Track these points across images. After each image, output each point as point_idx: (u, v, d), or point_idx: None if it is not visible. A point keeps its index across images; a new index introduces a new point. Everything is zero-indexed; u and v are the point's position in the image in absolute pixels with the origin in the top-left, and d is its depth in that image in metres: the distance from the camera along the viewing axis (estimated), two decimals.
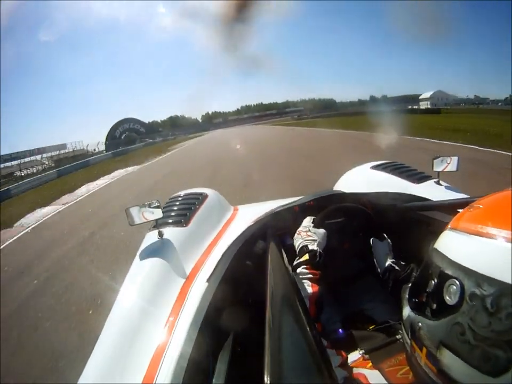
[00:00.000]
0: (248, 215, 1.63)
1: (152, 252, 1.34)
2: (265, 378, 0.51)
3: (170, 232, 1.47)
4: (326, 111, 66.98)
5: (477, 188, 2.37)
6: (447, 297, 0.52)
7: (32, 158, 32.56)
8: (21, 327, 3.32)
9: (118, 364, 0.85)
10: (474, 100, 72.81)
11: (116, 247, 5.00)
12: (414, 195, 1.51)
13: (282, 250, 1.19)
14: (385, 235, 1.26)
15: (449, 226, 0.60)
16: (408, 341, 0.63)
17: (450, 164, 1.77)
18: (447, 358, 0.50)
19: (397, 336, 0.85)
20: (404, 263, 1.12)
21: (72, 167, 23.10)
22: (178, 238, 1.44)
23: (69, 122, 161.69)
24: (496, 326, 0.43)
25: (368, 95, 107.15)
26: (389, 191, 1.58)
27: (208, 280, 1.08)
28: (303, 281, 1.00)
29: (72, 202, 10.30)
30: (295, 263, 1.09)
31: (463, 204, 0.67)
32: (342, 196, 1.54)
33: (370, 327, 0.96)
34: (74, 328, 3.09)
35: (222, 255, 1.20)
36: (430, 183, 1.82)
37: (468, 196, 1.44)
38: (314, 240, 1.14)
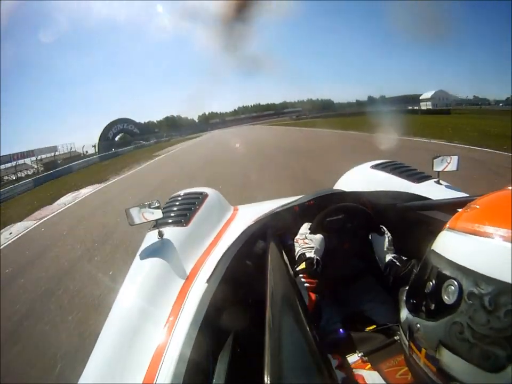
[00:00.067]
0: (248, 215, 1.63)
1: (152, 251, 1.34)
2: (265, 378, 0.51)
3: (170, 232, 1.47)
4: (324, 112, 66.65)
5: None
6: (445, 297, 0.52)
7: (20, 161, 31.26)
8: None
9: (118, 364, 0.85)
10: (474, 101, 71.60)
11: None
12: (414, 194, 1.52)
13: (282, 250, 1.19)
14: (384, 229, 1.26)
15: (446, 226, 0.60)
16: (407, 343, 0.62)
17: (450, 164, 1.77)
18: (447, 357, 0.50)
19: (396, 338, 0.84)
20: (405, 258, 1.12)
21: (51, 175, 21.01)
22: (178, 238, 1.43)
23: (64, 122, 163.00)
24: (494, 324, 0.44)
25: (366, 95, 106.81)
26: (389, 190, 1.61)
27: (208, 280, 1.08)
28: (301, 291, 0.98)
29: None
30: (294, 271, 1.08)
31: (463, 203, 0.66)
32: (342, 195, 1.54)
33: (369, 329, 0.96)
34: None
35: (222, 255, 1.21)
36: (430, 182, 1.80)
37: (468, 195, 1.41)
38: (312, 248, 1.14)
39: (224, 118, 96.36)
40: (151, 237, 1.45)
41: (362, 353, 0.81)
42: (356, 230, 1.31)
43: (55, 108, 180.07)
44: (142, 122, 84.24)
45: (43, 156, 34.77)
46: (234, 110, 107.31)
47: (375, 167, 2.15)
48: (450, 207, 1.07)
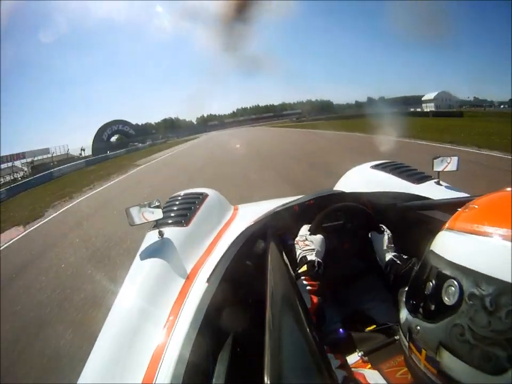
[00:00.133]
0: (248, 214, 1.64)
1: (152, 251, 1.34)
2: (265, 379, 0.51)
3: (170, 232, 1.46)
4: (324, 113, 65.58)
5: None
6: (446, 298, 0.52)
7: (10, 164, 29.88)
8: None
9: (118, 364, 0.85)
10: (475, 102, 70.20)
11: None
12: (414, 194, 1.52)
13: (283, 250, 1.18)
14: (384, 227, 1.26)
15: (445, 227, 0.60)
16: (406, 344, 0.62)
17: (450, 164, 1.76)
18: (447, 359, 0.50)
19: (396, 337, 0.84)
20: (406, 257, 1.12)
21: (26, 184, 18.52)
22: (179, 238, 1.43)
23: (62, 123, 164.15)
24: (496, 325, 0.43)
25: (365, 96, 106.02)
26: (389, 191, 1.62)
27: (208, 280, 1.08)
28: (302, 293, 0.98)
29: None
30: (295, 273, 1.08)
31: (463, 203, 0.65)
32: (342, 195, 1.54)
33: (369, 329, 0.96)
34: None
35: (222, 255, 1.21)
36: (430, 183, 1.81)
37: (468, 195, 1.43)
38: (312, 250, 1.13)
39: (222, 120, 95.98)
40: (151, 237, 1.44)
41: (362, 353, 0.81)
42: (356, 230, 1.30)
43: (53, 108, 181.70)
44: (140, 123, 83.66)
45: (38, 157, 33.67)
46: (233, 111, 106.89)
47: (375, 167, 2.15)
48: (450, 207, 1.04)
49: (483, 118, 23.72)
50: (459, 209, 0.62)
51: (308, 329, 0.65)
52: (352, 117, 37.38)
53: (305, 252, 1.13)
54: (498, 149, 9.21)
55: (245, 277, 1.20)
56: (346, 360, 0.80)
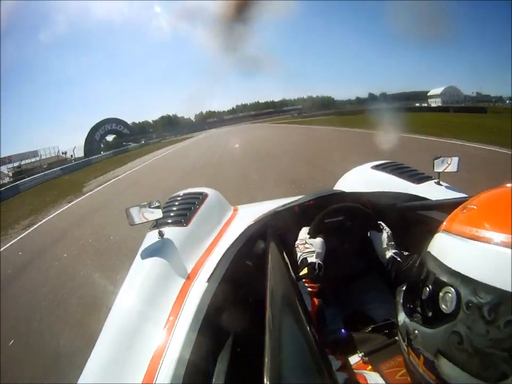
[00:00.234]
0: (248, 215, 1.63)
1: (152, 251, 1.33)
2: (265, 379, 0.51)
3: (170, 232, 1.46)
4: (324, 109, 64.18)
5: None
6: (443, 306, 0.51)
7: None
8: None
9: (118, 364, 0.85)
10: (479, 97, 67.43)
11: None
12: (414, 195, 1.52)
13: (283, 250, 1.18)
14: (383, 225, 1.27)
15: (442, 228, 0.58)
16: (405, 347, 0.61)
17: (450, 165, 1.76)
18: (445, 366, 0.49)
19: (396, 338, 0.82)
20: (406, 254, 1.13)
21: None
22: (179, 238, 1.43)
23: (59, 123, 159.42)
24: (494, 334, 0.42)
25: (366, 92, 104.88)
26: (389, 191, 1.62)
27: (208, 280, 1.08)
28: (303, 296, 0.99)
29: None
30: (296, 276, 1.08)
31: (462, 203, 0.63)
32: (342, 195, 1.55)
33: (370, 327, 0.96)
34: None
35: (222, 255, 1.21)
36: (430, 183, 1.80)
37: (468, 195, 1.41)
38: (312, 252, 1.14)
39: (222, 116, 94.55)
40: (151, 237, 1.44)
41: (363, 354, 0.81)
42: (355, 229, 1.30)
43: (49, 108, 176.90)
44: (137, 122, 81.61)
45: (27, 161, 31.30)
46: (233, 108, 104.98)
47: (375, 167, 2.15)
48: (450, 207, 0.93)
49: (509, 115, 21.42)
50: (463, 203, 0.60)
51: (308, 329, 0.65)
52: (358, 113, 33.99)
53: (305, 254, 1.14)
54: None
55: (245, 277, 1.20)
56: (347, 361, 0.80)
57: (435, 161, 1.79)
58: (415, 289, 0.60)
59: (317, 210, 1.34)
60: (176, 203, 1.82)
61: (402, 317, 0.63)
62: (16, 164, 29.86)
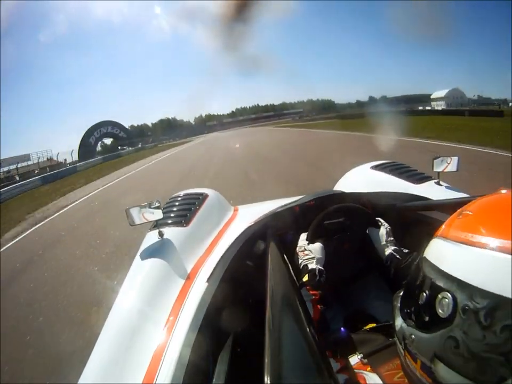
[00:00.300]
0: (248, 215, 1.63)
1: (152, 252, 1.33)
2: (265, 379, 0.51)
3: (170, 232, 1.46)
4: (325, 113, 63.03)
5: None
6: (440, 310, 0.51)
7: None
8: None
9: (118, 364, 0.85)
10: (482, 100, 66.13)
11: None
12: (414, 195, 1.52)
13: (283, 250, 1.18)
14: (381, 221, 1.27)
15: (438, 233, 0.59)
16: (402, 351, 0.61)
17: (450, 164, 1.75)
18: (442, 371, 0.49)
19: (395, 338, 0.82)
20: (406, 251, 1.13)
21: None
22: (179, 238, 1.43)
23: (57, 125, 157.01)
24: (490, 339, 0.42)
25: (366, 95, 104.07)
26: (388, 191, 1.62)
27: (208, 280, 1.08)
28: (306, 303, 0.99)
29: None
30: (299, 283, 1.08)
31: (462, 203, 0.64)
32: (342, 195, 1.55)
33: (369, 326, 0.96)
34: None
35: (222, 255, 1.21)
36: (430, 183, 1.80)
37: (468, 195, 1.42)
38: (312, 258, 1.14)
39: (221, 120, 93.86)
40: (151, 237, 1.44)
41: (362, 355, 0.81)
42: (354, 228, 1.30)
43: (50, 109, 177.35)
44: (136, 125, 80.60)
45: (18, 165, 29.46)
46: (232, 111, 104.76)
47: (375, 167, 2.14)
48: (450, 207, 1.02)
49: None
50: (459, 210, 0.61)
51: (308, 329, 0.65)
52: (360, 116, 32.64)
53: (305, 261, 1.14)
54: None
55: (245, 277, 1.20)
56: (346, 362, 0.80)
57: (434, 161, 1.78)
58: (412, 294, 0.60)
59: (317, 210, 1.33)
60: (176, 203, 1.81)
61: (399, 322, 0.63)
62: (5, 169, 28.70)
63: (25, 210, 10.83)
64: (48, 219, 9.13)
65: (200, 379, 0.81)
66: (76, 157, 36.49)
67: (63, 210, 10.02)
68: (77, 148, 44.91)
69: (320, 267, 1.10)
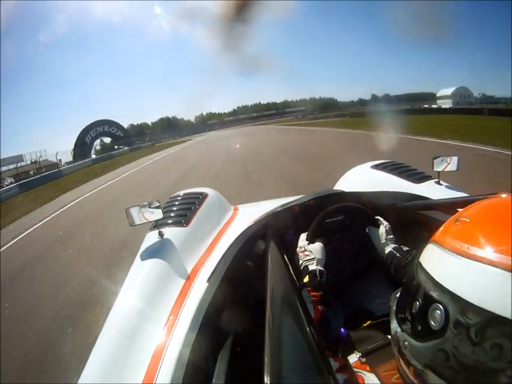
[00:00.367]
0: (248, 215, 1.63)
1: (152, 252, 1.33)
2: (265, 378, 0.51)
3: (170, 232, 1.46)
4: (328, 111, 62.12)
5: None
6: (432, 322, 0.50)
7: None
8: None
9: (118, 363, 0.85)
10: (486, 99, 64.23)
11: None
12: (414, 194, 1.52)
13: (283, 250, 1.19)
14: (381, 220, 1.27)
15: (434, 239, 0.58)
16: (397, 355, 0.61)
17: (450, 164, 1.75)
18: (433, 379, 0.49)
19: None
20: (406, 249, 1.14)
21: None
22: (179, 238, 1.43)
23: (57, 125, 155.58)
24: (480, 355, 0.42)
25: (368, 93, 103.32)
26: (389, 191, 1.62)
27: (208, 280, 1.08)
28: (307, 304, 0.98)
29: None
30: (300, 284, 1.08)
31: (462, 203, 0.64)
32: (342, 195, 1.55)
33: (369, 323, 0.96)
34: None
35: (222, 255, 1.21)
36: (430, 183, 1.80)
37: (468, 195, 1.42)
38: (313, 259, 1.13)
39: (222, 118, 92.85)
40: (151, 237, 1.44)
41: (360, 355, 0.81)
42: (354, 228, 1.30)
43: (50, 108, 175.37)
44: (136, 124, 79.55)
45: (10, 167, 27.98)
46: (234, 110, 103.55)
47: (375, 167, 2.13)
48: (450, 207, 1.04)
49: None
50: (459, 209, 0.60)
51: (308, 329, 0.65)
52: (365, 114, 30.40)
53: (305, 262, 1.13)
54: None
55: (245, 277, 1.20)
56: (344, 362, 0.80)
57: (434, 160, 1.78)
58: (406, 301, 0.59)
59: (317, 210, 1.33)
60: (176, 203, 1.81)
61: (394, 326, 0.63)
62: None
63: None
64: None
65: (200, 379, 0.81)
66: (71, 157, 35.20)
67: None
68: (72, 148, 43.39)
69: (321, 268, 1.10)
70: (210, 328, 0.90)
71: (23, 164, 29.84)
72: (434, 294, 0.50)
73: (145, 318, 0.99)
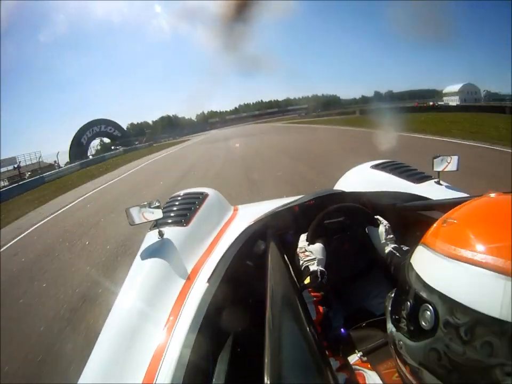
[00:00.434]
0: (248, 214, 1.62)
1: (152, 251, 1.33)
2: (265, 379, 0.51)
3: (170, 232, 1.45)
4: (330, 108, 60.99)
5: None
6: (422, 322, 0.51)
7: None
8: None
9: (118, 364, 0.85)
10: (491, 96, 62.50)
11: None
12: (414, 194, 1.52)
13: (283, 250, 1.19)
14: (380, 219, 1.26)
15: (424, 240, 0.58)
16: (394, 354, 0.62)
17: (450, 164, 1.73)
18: (428, 378, 0.50)
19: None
20: (406, 248, 1.15)
21: None
22: (179, 238, 1.42)
23: (54, 125, 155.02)
24: (471, 354, 0.43)
25: (370, 90, 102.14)
26: (389, 191, 1.62)
27: (208, 280, 1.08)
28: (308, 305, 0.98)
29: None
30: (300, 286, 1.09)
31: (462, 202, 0.63)
32: (342, 195, 1.54)
33: (369, 320, 0.97)
34: None
35: (222, 255, 1.21)
36: (430, 182, 1.79)
37: (467, 195, 1.42)
38: (313, 260, 1.13)
39: (224, 116, 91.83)
40: (151, 237, 1.43)
41: (361, 354, 0.81)
42: (354, 228, 1.30)
43: (50, 108, 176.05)
44: (136, 123, 78.84)
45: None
46: (235, 108, 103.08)
47: (375, 167, 2.12)
48: (450, 207, 0.90)
49: None
50: (444, 215, 0.61)
51: (308, 329, 0.65)
52: (375, 112, 29.65)
53: (306, 262, 1.13)
54: None
55: (245, 277, 1.20)
56: (345, 361, 0.80)
57: (434, 160, 1.77)
58: (399, 302, 0.60)
59: (317, 210, 1.33)
60: (176, 203, 1.80)
61: (390, 326, 0.64)
62: None
63: None
64: None
65: (200, 379, 0.80)
66: (67, 158, 33.96)
67: None
68: (68, 149, 41.80)
69: (322, 268, 1.10)
70: (211, 328, 0.90)
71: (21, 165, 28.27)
72: (424, 295, 0.51)
73: (145, 318, 0.98)
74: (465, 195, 1.45)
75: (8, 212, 11.36)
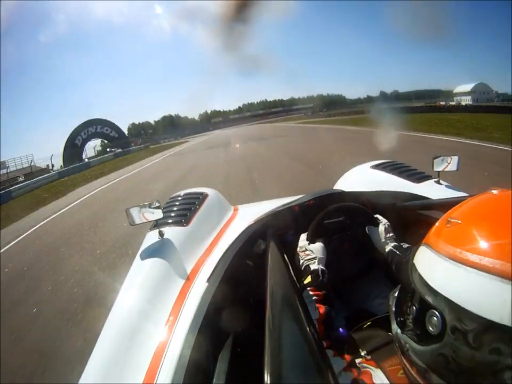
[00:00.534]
0: (248, 214, 1.61)
1: (152, 251, 1.33)
2: (265, 378, 0.51)
3: (170, 232, 1.45)
4: (336, 108, 60.27)
5: None
6: (429, 327, 0.51)
7: None
8: None
9: (118, 364, 0.85)
10: (503, 96, 60.19)
11: None
12: (414, 194, 1.51)
13: (283, 250, 1.18)
14: (380, 218, 1.25)
15: (427, 241, 0.57)
16: (399, 354, 0.61)
17: (450, 164, 1.73)
18: (436, 380, 0.49)
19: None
20: (406, 246, 1.14)
21: None
22: (179, 238, 1.42)
23: (54, 126, 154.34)
24: (480, 359, 0.42)
25: (375, 90, 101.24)
26: (389, 190, 1.61)
27: (208, 280, 1.08)
28: (309, 304, 0.98)
29: None
30: (301, 284, 1.08)
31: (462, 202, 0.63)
32: (342, 195, 1.54)
33: (370, 320, 0.96)
34: None
35: (222, 255, 1.21)
36: (430, 182, 1.78)
37: (467, 195, 1.39)
38: (314, 259, 1.12)
39: (227, 116, 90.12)
40: (151, 237, 1.43)
41: (365, 352, 0.81)
42: (354, 228, 1.29)
43: (50, 109, 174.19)
44: (137, 123, 77.28)
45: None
46: (239, 107, 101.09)
47: (375, 167, 2.11)
48: (450, 206, 0.92)
49: None
50: (446, 214, 0.59)
51: (308, 329, 0.65)
52: (399, 112, 26.25)
53: (307, 261, 1.12)
54: None
55: (245, 276, 1.20)
56: (351, 360, 0.80)
57: (434, 160, 1.76)
58: (404, 304, 0.59)
59: (317, 210, 1.32)
60: (177, 203, 1.80)
61: (395, 327, 0.63)
62: None
63: None
64: None
65: (201, 379, 0.81)
66: (60, 161, 31.69)
67: None
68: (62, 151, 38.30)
69: (322, 267, 1.09)
70: (211, 328, 0.90)
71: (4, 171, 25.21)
72: (430, 299, 0.50)
73: (146, 317, 0.98)
74: (465, 194, 1.44)
75: None
